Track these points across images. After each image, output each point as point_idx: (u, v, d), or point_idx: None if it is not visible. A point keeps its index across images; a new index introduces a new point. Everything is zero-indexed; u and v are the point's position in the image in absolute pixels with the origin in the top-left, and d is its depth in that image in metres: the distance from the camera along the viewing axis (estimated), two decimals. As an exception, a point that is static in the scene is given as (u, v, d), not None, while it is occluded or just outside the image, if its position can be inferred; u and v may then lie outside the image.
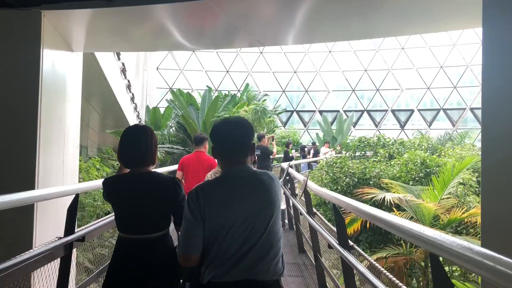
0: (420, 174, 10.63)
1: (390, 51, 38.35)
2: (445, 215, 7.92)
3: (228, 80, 40.04)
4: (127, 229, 2.75)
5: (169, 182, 2.79)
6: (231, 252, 2.14)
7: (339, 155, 23.78)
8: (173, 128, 26.68)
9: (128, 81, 13.02)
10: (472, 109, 36.90)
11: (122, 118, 14.03)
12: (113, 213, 3.18)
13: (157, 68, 37.79)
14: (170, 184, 2.77)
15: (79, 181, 6.04)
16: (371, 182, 10.36)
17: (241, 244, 2.14)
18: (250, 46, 6.83)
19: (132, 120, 16.46)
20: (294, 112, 39.45)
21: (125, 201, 2.76)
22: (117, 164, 10.11)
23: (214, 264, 2.15)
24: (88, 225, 3.70)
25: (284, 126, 35.55)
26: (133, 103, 16.05)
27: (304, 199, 5.23)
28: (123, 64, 11.24)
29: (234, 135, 2.30)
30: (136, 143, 2.79)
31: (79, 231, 3.48)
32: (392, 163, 12.57)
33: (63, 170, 4.73)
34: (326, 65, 39.57)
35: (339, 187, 10.30)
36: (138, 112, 18.77)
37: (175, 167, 8.31)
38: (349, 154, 15.43)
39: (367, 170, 10.82)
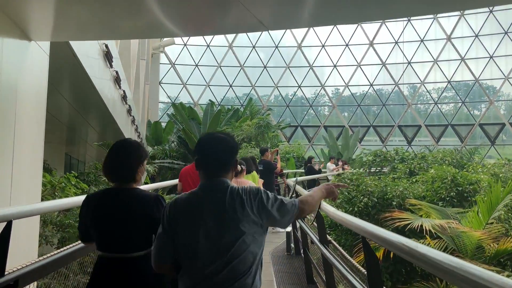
0: (451, 194, 9.24)
1: (397, 65, 37.70)
2: (491, 244, 6.67)
3: (231, 95, 39.47)
4: (107, 247, 2.66)
5: (151, 200, 2.70)
6: (202, 267, 2.19)
7: (351, 171, 22.93)
8: (174, 142, 25.91)
9: (124, 91, 12.25)
10: (481, 125, 36.00)
11: (119, 131, 13.27)
12: (62, 249, 3.04)
13: (160, 83, 37.24)
14: (153, 202, 2.69)
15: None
16: (394, 203, 8.94)
17: (210, 261, 2.17)
18: (252, 30, 5.83)
19: (129, 134, 15.67)
20: (299, 127, 38.69)
21: (105, 218, 2.67)
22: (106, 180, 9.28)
23: (187, 277, 2.24)
24: (26, 263, 2.80)
25: (288, 142, 34.71)
26: (130, 115, 15.28)
27: (316, 224, 4.34)
28: (116, 72, 10.47)
29: (212, 149, 2.35)
30: (122, 158, 2.73)
31: (10, 273, 2.64)
32: (414, 180, 11.31)
33: (12, 188, 3.83)
34: (331, 80, 38.95)
35: (355, 208, 8.91)
36: (137, 125, 17.99)
37: (167, 183, 7.87)
38: (363, 169, 13.75)
39: (388, 188, 9.35)
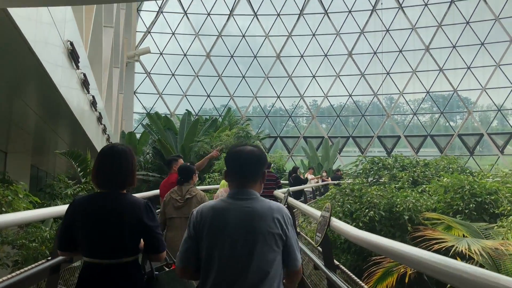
0: (470, 206, 8.13)
1: (376, 76, 37.57)
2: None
3: (209, 105, 38.66)
4: (95, 253, 2.61)
5: (141, 205, 2.68)
6: (226, 274, 2.24)
7: (330, 182, 22.13)
8: (150, 154, 24.85)
9: (93, 97, 11.26)
10: (460, 136, 36.03)
11: (88, 141, 12.23)
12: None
13: (135, 92, 36.10)
14: (143, 208, 2.67)
15: None
16: (406, 217, 7.74)
17: (234, 268, 2.23)
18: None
19: (100, 144, 14.61)
20: (278, 138, 38.03)
21: (92, 223, 2.61)
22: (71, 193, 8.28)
23: (208, 283, 2.27)
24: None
25: (268, 152, 33.96)
26: (101, 124, 14.25)
27: (320, 248, 3.50)
28: (84, 75, 9.51)
29: (245, 161, 2.43)
30: (114, 164, 2.70)
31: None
32: (419, 190, 10.07)
33: None
34: (310, 90, 38.52)
35: (359, 223, 7.71)
36: (108, 135, 16.92)
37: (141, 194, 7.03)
38: (359, 179, 12.16)
39: (397, 200, 8.07)
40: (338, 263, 3.57)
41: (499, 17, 34.13)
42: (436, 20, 36.02)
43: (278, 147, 37.36)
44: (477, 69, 35.08)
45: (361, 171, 13.27)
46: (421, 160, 13.45)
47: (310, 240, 5.26)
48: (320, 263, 3.60)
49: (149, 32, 37.44)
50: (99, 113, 13.29)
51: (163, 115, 28.68)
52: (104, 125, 15.15)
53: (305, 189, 15.23)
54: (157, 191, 8.02)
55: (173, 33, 37.98)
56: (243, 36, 38.50)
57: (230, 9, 38.33)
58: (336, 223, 3.21)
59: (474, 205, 8.17)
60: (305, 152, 33.56)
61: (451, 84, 35.80)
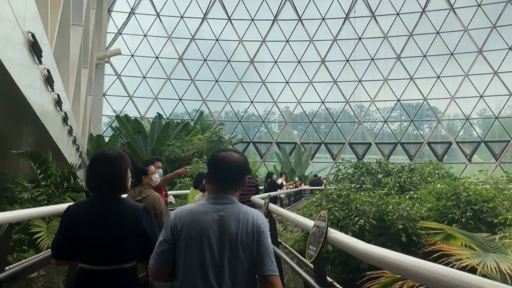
0: (467, 214, 7.58)
1: (348, 83, 37.81)
2: None
3: (181, 109, 38.04)
4: (90, 259, 2.56)
5: (140, 210, 2.66)
6: (203, 278, 2.23)
7: (305, 187, 21.90)
8: (118, 157, 24.08)
9: (58, 95, 10.68)
10: (429, 143, 36.57)
11: (52, 142, 11.59)
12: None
13: (104, 94, 35.18)
14: (142, 213, 2.65)
15: None
16: (399, 226, 7.09)
17: (210, 273, 2.23)
18: None
19: (66, 146, 13.95)
20: (251, 143, 37.73)
21: (89, 229, 2.56)
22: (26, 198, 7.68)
23: (184, 286, 2.28)
24: (22, 261, 3.15)
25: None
26: (67, 125, 13.59)
27: (312, 264, 3.11)
28: (48, 71, 8.96)
29: (230, 168, 2.42)
30: (110, 169, 2.66)
31: (9, 269, 2.95)
32: (407, 197, 9.20)
33: None
34: (283, 96, 38.43)
35: (349, 233, 6.88)
36: (75, 137, 16.22)
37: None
38: (344, 184, 10.90)
39: (389, 207, 7.43)
40: (331, 280, 3.26)
41: (468, 28, 34.91)
42: (408, 30, 36.59)
43: (250, 152, 37.04)
44: (447, 78, 35.75)
45: (344, 176, 12.65)
46: (406, 165, 12.97)
47: (293, 250, 4.92)
48: (310, 279, 3.23)
49: (120, 34, 36.63)
50: (65, 113, 12.65)
51: (133, 118, 27.95)
52: (70, 126, 14.47)
53: (280, 195, 14.93)
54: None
55: (145, 35, 37.27)
56: (217, 40, 38.14)
57: (204, 13, 37.94)
58: (335, 235, 2.75)
59: (470, 214, 7.67)
60: (278, 157, 33.42)
61: (421, 93, 36.34)
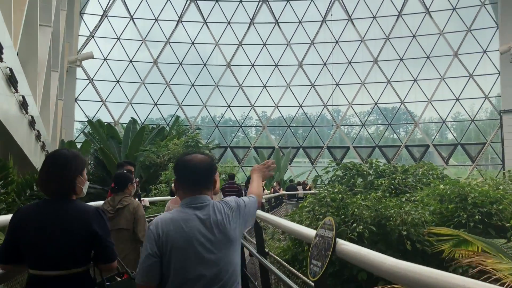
0: (475, 218, 6.95)
1: (325, 87, 37.61)
2: None
3: (156, 114, 37.14)
4: (38, 264, 2.44)
5: (90, 212, 2.54)
6: (197, 286, 2.22)
7: (284, 192, 21.39)
8: (91, 164, 23.11)
9: (23, 97, 9.88)
10: (407, 147, 36.64)
11: (17, 147, 10.76)
12: None
13: (76, 99, 34.03)
14: (92, 215, 2.52)
15: None
16: (404, 232, 6.42)
17: (203, 278, 2.22)
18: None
19: (33, 152, 13.08)
20: (228, 148, 37.08)
21: (37, 232, 2.44)
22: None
23: None
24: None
25: (218, 163, 32.91)
26: (34, 129, 12.74)
27: (314, 283, 2.50)
28: (10, 70, 8.20)
29: (197, 168, 2.41)
30: (57, 170, 2.54)
31: None
32: (404, 199, 8.40)
33: None
34: (260, 100, 37.96)
35: (346, 241, 6.09)
36: (43, 142, 15.32)
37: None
38: (339, 186, 9.64)
39: (391, 211, 6.71)
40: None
41: (443, 31, 35.20)
42: (384, 33, 36.66)
43: (228, 157, 36.42)
44: (423, 81, 35.94)
45: (333, 179, 12.02)
46: (399, 166, 12.43)
47: (284, 263, 4.34)
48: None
49: (93, 37, 35.55)
50: (32, 117, 11.83)
51: (107, 123, 26.97)
52: (38, 131, 13.62)
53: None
54: (101, 203, 6.96)
55: (119, 38, 36.28)
56: (192, 43, 37.44)
57: (179, 16, 37.21)
58: (347, 246, 2.21)
59: (479, 217, 7.00)
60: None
61: (398, 96, 36.42)
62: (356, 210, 6.93)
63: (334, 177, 11.89)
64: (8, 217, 4.90)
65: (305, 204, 8.32)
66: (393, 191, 9.98)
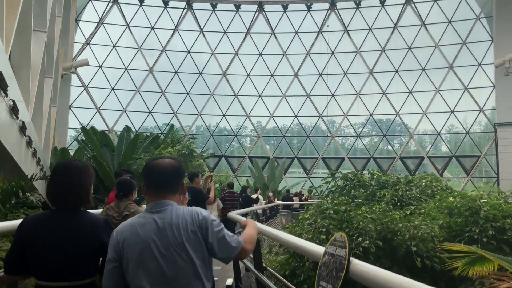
0: (488, 233, 6.54)
1: (321, 97, 37.60)
2: None
3: (151, 123, 36.96)
4: (47, 275, 2.42)
5: (101, 223, 2.55)
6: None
7: (277, 203, 21.18)
8: (83, 172, 22.80)
9: (13, 102, 9.69)
10: (401, 158, 36.59)
11: (7, 154, 10.53)
12: None
13: (70, 106, 33.80)
14: (102, 226, 2.54)
15: None
16: (413, 248, 6.02)
17: (160, 284, 2.20)
18: None
19: (23, 158, 12.84)
20: (223, 157, 36.88)
21: (46, 242, 2.42)
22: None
23: None
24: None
25: (213, 171, 32.69)
26: (25, 135, 12.52)
27: None
28: (0, 74, 8.03)
29: (161, 172, 2.40)
30: (74, 179, 2.54)
31: None
32: (408, 212, 8.07)
33: None
34: (256, 110, 37.88)
35: (351, 256, 5.56)
36: (35, 149, 15.08)
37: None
38: (342, 198, 9.40)
39: (399, 225, 6.32)
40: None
41: (438, 44, 35.36)
42: (380, 45, 36.78)
43: (223, 166, 36.21)
44: (418, 93, 36.00)
45: (333, 189, 11.66)
46: (402, 177, 12.07)
47: (282, 279, 4.15)
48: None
49: (88, 44, 35.41)
50: (23, 122, 11.61)
51: (100, 131, 26.73)
52: (29, 137, 13.38)
53: (257, 211, 14.11)
54: (99, 211, 6.85)
55: (114, 46, 36.18)
56: (188, 52, 37.39)
57: (175, 24, 37.19)
58: (364, 267, 1.92)
59: (492, 232, 6.56)
60: (251, 172, 32.75)
61: (394, 108, 36.43)
62: (361, 223, 6.57)
63: (334, 187, 11.54)
64: (4, 224, 4.73)
65: (307, 216, 7.96)
66: (398, 203, 9.61)
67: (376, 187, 11.19)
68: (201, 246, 2.24)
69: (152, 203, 2.34)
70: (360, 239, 6.40)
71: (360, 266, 1.92)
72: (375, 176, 11.62)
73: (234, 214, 6.39)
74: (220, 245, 2.28)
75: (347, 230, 6.83)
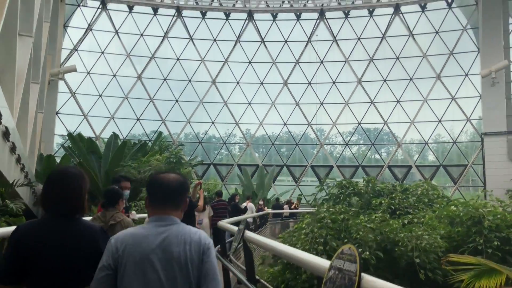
0: (494, 243, 6.26)
1: (310, 106, 37.67)
2: None
3: (139, 130, 36.66)
4: (43, 285, 2.39)
5: (98, 231, 2.54)
6: None
7: (270, 211, 21.04)
8: (69, 179, 22.47)
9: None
10: (389, 167, 36.71)
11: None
12: None
13: (57, 113, 33.41)
14: (100, 234, 2.52)
15: None
16: (416, 260, 5.77)
17: None
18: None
19: (6, 164, 12.58)
20: (211, 165, 36.66)
21: (42, 251, 2.37)
22: None
23: None
24: None
25: (201, 179, 32.46)
26: (8, 141, 12.27)
27: None
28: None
29: (169, 188, 2.41)
30: (72, 186, 2.54)
31: None
32: (406, 221, 7.69)
33: None
34: (245, 117, 37.81)
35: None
36: (19, 155, 14.79)
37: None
38: (340, 206, 8.91)
39: (401, 235, 6.03)
40: None
41: (426, 54, 35.69)
42: (368, 54, 37.02)
43: (211, 174, 35.98)
44: (406, 102, 36.22)
45: (327, 198, 11.35)
46: (398, 185, 11.44)
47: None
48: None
49: (76, 50, 35.13)
50: (6, 127, 11.39)
51: (87, 137, 26.41)
52: (13, 143, 13.13)
53: (248, 220, 13.91)
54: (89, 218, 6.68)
55: (103, 52, 35.92)
56: (178, 59, 37.27)
57: (165, 31, 37.08)
58: (378, 283, 1.81)
59: (497, 243, 6.29)
60: (240, 180, 32.57)
61: (382, 117, 36.59)
62: (360, 233, 6.25)
63: (329, 195, 11.30)
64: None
65: (303, 225, 7.54)
66: (397, 212, 9.33)
67: (371, 195, 10.92)
68: (199, 268, 2.24)
69: (155, 216, 2.34)
70: (360, 249, 6.08)
71: (373, 282, 1.76)
72: (370, 184, 11.33)
73: (225, 223, 6.24)
74: (207, 276, 2.25)
75: (346, 240, 6.51)
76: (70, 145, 24.74)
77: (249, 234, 4.03)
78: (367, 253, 6.01)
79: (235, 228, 5.65)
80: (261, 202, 20.02)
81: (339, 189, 11.07)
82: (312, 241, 6.77)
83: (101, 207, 5.07)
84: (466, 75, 34.52)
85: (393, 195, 10.37)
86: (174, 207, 2.37)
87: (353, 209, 9.34)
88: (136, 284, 2.17)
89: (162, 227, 2.27)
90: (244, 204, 18.83)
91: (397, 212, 9.33)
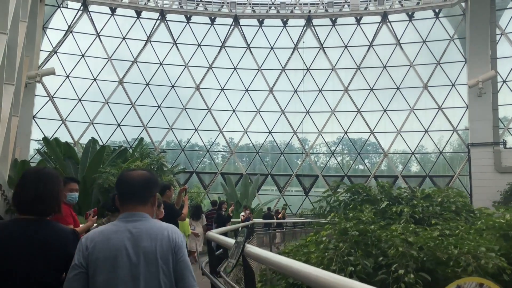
0: None
1: (295, 114, 37.08)
2: None
3: (119, 136, 35.50)
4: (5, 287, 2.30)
5: (70, 234, 2.46)
6: None
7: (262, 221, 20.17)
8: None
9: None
10: (375, 177, 36.23)
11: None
12: None
13: (34, 117, 32.08)
14: (71, 237, 2.44)
15: None
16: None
17: None
18: None
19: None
20: (194, 173, 35.64)
21: (13, 254, 2.27)
22: None
23: None
24: None
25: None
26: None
27: None
28: None
29: (135, 184, 2.40)
30: (49, 186, 2.48)
31: None
32: (437, 234, 6.26)
33: None
34: (229, 125, 36.97)
35: None
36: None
37: None
38: (365, 213, 7.87)
39: (450, 252, 4.86)
40: None
41: (413, 63, 35.48)
42: (355, 63, 36.66)
43: (194, 182, 34.94)
44: (393, 112, 35.89)
45: (336, 204, 10.18)
46: (418, 191, 10.16)
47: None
48: None
49: (55, 52, 33.90)
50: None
51: (64, 142, 25.22)
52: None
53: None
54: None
55: (83, 55, 34.76)
56: (161, 64, 36.33)
57: (148, 35, 36.13)
58: None
59: None
60: (224, 188, 31.67)
61: (368, 126, 36.17)
62: (399, 248, 5.07)
63: (336, 202, 10.15)
64: None
65: (315, 236, 6.38)
66: (423, 223, 8.15)
67: (387, 202, 9.60)
68: (174, 266, 2.25)
69: (125, 213, 2.34)
70: (401, 271, 4.87)
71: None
72: (385, 190, 10.01)
73: (214, 234, 5.39)
74: (183, 275, 2.26)
75: (381, 258, 5.30)
76: (46, 150, 23.54)
77: (251, 249, 3.17)
78: (412, 275, 4.91)
79: (224, 239, 4.84)
80: (247, 212, 19.05)
81: (351, 195, 9.92)
82: (340, 259, 5.51)
83: (108, 211, 5.45)
84: (453, 85, 34.38)
85: (415, 203, 9.14)
86: (141, 203, 2.36)
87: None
88: (107, 279, 2.16)
89: (131, 223, 2.27)
90: (242, 214, 18.12)
91: (424, 224, 8.08)
